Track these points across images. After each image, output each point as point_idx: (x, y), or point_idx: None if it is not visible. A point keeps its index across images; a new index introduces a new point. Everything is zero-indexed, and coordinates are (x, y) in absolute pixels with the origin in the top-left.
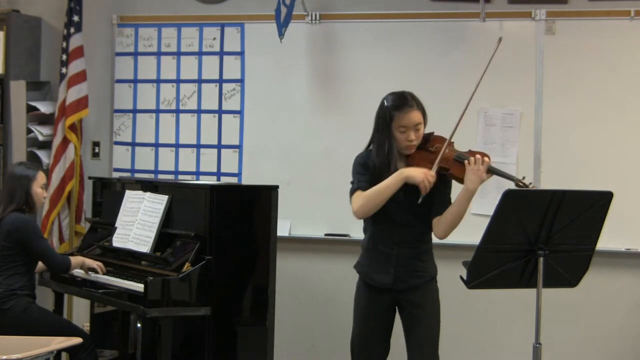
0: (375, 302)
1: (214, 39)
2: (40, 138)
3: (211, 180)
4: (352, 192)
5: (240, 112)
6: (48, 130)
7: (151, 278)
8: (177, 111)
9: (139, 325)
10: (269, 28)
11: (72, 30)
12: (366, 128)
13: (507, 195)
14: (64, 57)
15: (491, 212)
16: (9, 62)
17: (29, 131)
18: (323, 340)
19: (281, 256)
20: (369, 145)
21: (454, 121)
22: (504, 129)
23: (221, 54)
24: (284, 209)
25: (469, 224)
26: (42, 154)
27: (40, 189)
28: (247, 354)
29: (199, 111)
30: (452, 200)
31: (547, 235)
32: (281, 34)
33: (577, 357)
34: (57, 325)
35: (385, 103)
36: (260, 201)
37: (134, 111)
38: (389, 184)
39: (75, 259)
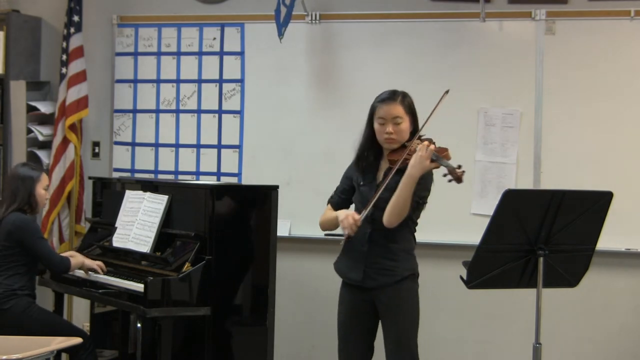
0: (354, 300)
1: (214, 39)
2: (40, 138)
3: (211, 180)
4: (328, 201)
5: (240, 112)
6: (48, 130)
7: (151, 278)
8: (177, 111)
9: (139, 325)
10: (269, 28)
11: (72, 30)
12: None
13: (507, 195)
14: (64, 57)
15: (491, 212)
16: (9, 62)
17: (29, 131)
18: (323, 340)
19: (281, 256)
20: None
21: (453, 121)
22: (504, 129)
23: (221, 54)
24: (284, 209)
25: (469, 224)
26: (42, 154)
27: (43, 191)
28: (247, 354)
29: (199, 111)
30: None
31: (547, 235)
32: (281, 34)
33: (577, 357)
34: (57, 325)
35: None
36: (260, 201)
37: (134, 111)
38: (331, 219)
39: (75, 260)
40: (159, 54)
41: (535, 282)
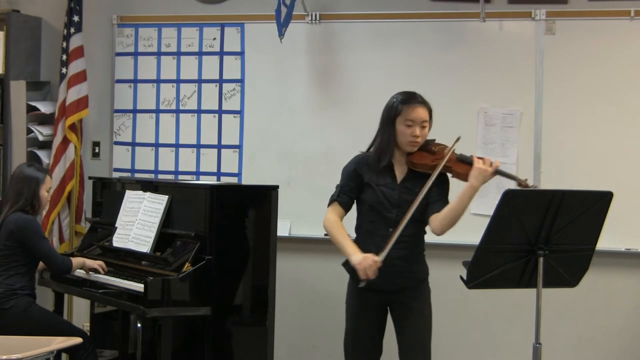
0: (366, 302)
1: (214, 39)
2: (41, 138)
3: (211, 180)
4: (332, 199)
5: (240, 112)
6: (48, 130)
7: (151, 278)
8: (177, 111)
9: (139, 325)
10: (269, 28)
11: (72, 30)
12: (366, 128)
13: (507, 195)
14: (64, 57)
15: (491, 212)
16: (9, 62)
17: (29, 131)
18: (323, 340)
19: (281, 256)
20: (371, 145)
21: (453, 121)
22: (504, 129)
23: (221, 54)
24: (284, 209)
25: (469, 224)
26: (42, 154)
27: (47, 193)
28: (247, 354)
29: (199, 111)
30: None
31: (547, 235)
32: (281, 34)
33: (577, 357)
34: (57, 325)
35: (394, 99)
36: (260, 201)
37: (134, 111)
38: (340, 247)
39: (76, 260)
40: (159, 54)
41: (535, 282)
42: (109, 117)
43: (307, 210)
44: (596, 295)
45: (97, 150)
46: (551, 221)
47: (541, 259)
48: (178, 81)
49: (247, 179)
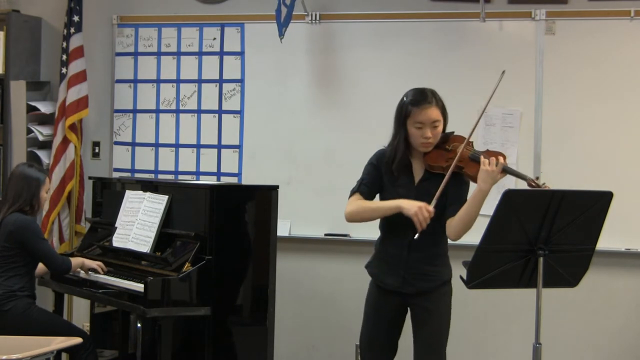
0: (385, 304)
1: (214, 39)
2: (41, 138)
3: (211, 180)
4: (352, 192)
5: (240, 112)
6: (48, 130)
7: (151, 278)
8: (177, 111)
9: (139, 325)
10: (269, 28)
11: (72, 30)
12: (366, 128)
13: (507, 195)
14: (64, 57)
15: (491, 212)
16: (9, 62)
17: (29, 131)
18: (323, 340)
19: (281, 256)
20: (391, 141)
21: (453, 121)
22: (504, 129)
23: (221, 54)
24: (284, 209)
25: None
26: (42, 154)
27: (46, 194)
28: (247, 354)
29: (199, 111)
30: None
31: (547, 235)
32: (281, 34)
33: (577, 357)
34: (57, 325)
35: (405, 98)
36: (260, 201)
37: (134, 111)
38: (381, 208)
39: (75, 260)
40: (159, 54)
41: (535, 282)
42: (109, 117)
43: (307, 210)
44: (596, 295)
45: (97, 150)
46: (551, 221)
47: (541, 259)
48: (178, 81)
49: (247, 179)
